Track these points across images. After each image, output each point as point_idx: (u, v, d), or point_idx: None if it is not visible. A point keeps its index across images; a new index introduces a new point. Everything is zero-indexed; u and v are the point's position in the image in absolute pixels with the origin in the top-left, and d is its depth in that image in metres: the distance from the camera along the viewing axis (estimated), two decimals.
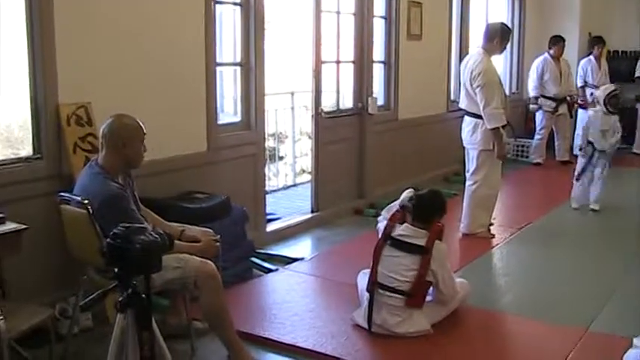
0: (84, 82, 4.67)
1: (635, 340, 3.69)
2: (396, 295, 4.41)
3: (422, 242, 4.43)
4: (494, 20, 8.84)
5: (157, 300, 4.49)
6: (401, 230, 4.51)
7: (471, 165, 6.72)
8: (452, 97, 9.60)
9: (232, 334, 4.00)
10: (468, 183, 6.76)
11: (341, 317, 4.72)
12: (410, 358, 4.23)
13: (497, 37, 6.52)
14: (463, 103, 6.68)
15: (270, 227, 6.70)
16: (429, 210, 4.57)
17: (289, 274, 5.71)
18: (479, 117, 6.44)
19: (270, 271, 5.69)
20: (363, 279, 4.70)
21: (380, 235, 4.61)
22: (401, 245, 4.46)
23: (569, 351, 4.26)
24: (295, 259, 6.01)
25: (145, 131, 3.95)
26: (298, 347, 4.33)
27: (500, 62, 11.40)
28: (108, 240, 2.66)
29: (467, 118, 6.66)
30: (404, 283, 4.40)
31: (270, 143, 8.87)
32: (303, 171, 9.53)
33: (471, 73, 6.39)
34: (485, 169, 6.60)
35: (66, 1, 4.49)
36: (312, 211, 7.32)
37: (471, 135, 6.59)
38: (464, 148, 6.81)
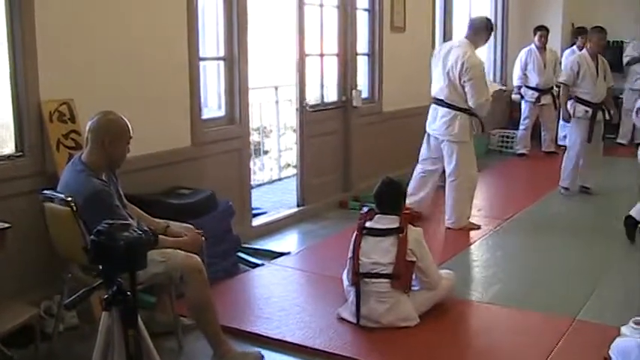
0: (66, 78, 4.63)
1: (622, 329, 3.70)
2: (382, 280, 4.44)
3: (395, 225, 4.51)
4: (477, 13, 8.88)
5: (143, 297, 4.47)
6: (373, 222, 4.59)
7: (447, 160, 6.71)
8: None
9: (217, 329, 3.99)
10: (448, 179, 6.73)
11: (328, 311, 4.71)
12: (398, 350, 4.22)
13: (484, 30, 6.57)
14: (442, 94, 6.57)
15: (256, 222, 6.68)
16: (388, 198, 4.64)
17: (276, 268, 5.69)
18: (458, 109, 6.46)
19: (256, 265, 5.67)
20: (347, 276, 4.71)
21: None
22: (376, 232, 4.53)
23: (557, 340, 4.27)
24: (281, 254, 5.99)
25: (131, 134, 3.92)
26: (286, 342, 4.31)
27: (484, 53, 11.43)
28: (92, 237, 2.64)
29: (442, 109, 6.59)
30: (387, 265, 4.43)
31: (254, 137, 8.84)
32: (289, 165, 9.51)
33: (461, 65, 6.35)
34: (464, 163, 6.62)
35: None
36: (298, 205, 7.30)
37: (447, 127, 6.57)
38: (424, 135, 6.86)
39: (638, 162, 6.42)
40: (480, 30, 6.56)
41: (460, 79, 6.38)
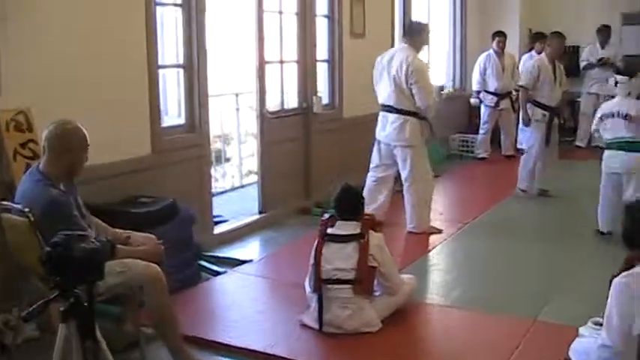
0: (23, 86, 4.57)
1: (581, 330, 3.74)
2: (344, 286, 4.46)
3: (356, 230, 4.54)
4: (436, 19, 8.94)
5: (106, 308, 4.42)
6: (335, 228, 4.62)
7: (401, 165, 6.74)
8: None
9: (178, 338, 3.97)
10: (405, 184, 6.76)
11: (291, 318, 4.71)
12: (360, 356, 4.24)
13: (420, 33, 6.69)
14: (390, 100, 6.63)
15: (218, 229, 6.66)
16: (347, 204, 4.67)
17: (238, 276, 5.67)
18: (408, 113, 6.52)
19: (218, 274, 5.65)
20: (309, 283, 4.71)
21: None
22: (338, 238, 4.56)
23: (517, 343, 4.32)
24: (244, 261, 5.97)
25: (88, 142, 3.88)
26: (249, 350, 4.31)
27: (444, 58, 11.54)
28: (48, 248, 2.61)
29: (392, 115, 6.64)
30: (349, 271, 4.45)
31: (216, 145, 8.80)
32: (250, 172, 9.48)
33: (406, 68, 6.41)
34: (418, 167, 6.67)
35: (1, 3, 4.39)
36: (260, 212, 7.28)
37: (398, 132, 6.61)
38: (374, 143, 6.88)
39: (602, 167, 6.46)
40: (416, 33, 6.66)
41: (407, 83, 6.43)
